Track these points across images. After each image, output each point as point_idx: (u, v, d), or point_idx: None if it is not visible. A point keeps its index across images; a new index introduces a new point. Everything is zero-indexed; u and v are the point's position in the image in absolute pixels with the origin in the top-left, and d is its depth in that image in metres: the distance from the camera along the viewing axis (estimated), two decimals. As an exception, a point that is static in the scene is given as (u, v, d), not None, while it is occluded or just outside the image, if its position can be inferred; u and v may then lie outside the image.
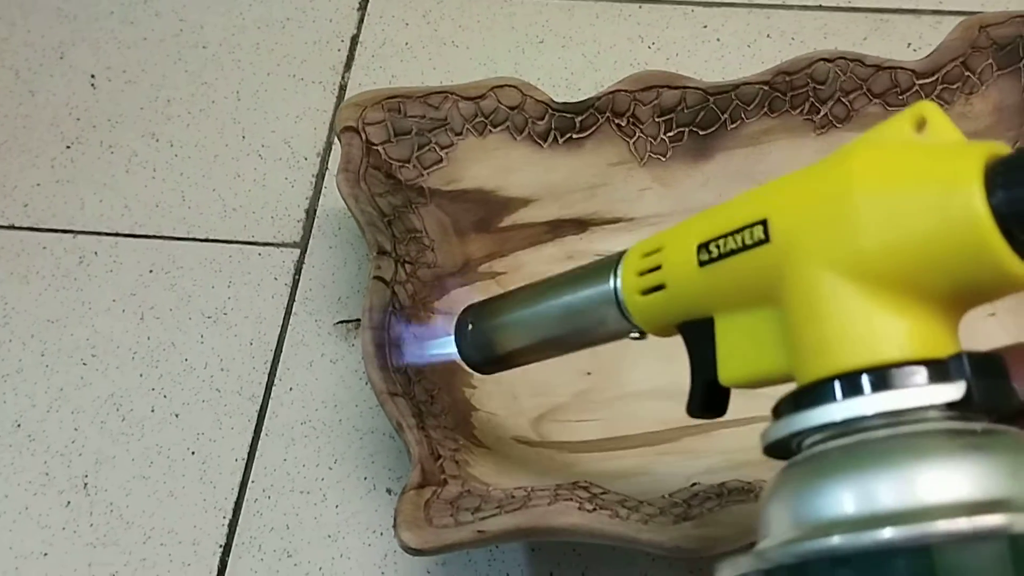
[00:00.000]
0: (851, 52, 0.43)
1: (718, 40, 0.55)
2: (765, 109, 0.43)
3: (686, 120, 0.43)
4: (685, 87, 0.43)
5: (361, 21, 0.57)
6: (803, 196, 0.21)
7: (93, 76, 0.55)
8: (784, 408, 0.21)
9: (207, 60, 0.55)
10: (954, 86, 0.42)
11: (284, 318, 0.46)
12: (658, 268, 0.26)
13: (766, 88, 0.43)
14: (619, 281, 0.27)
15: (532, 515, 0.32)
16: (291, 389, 0.45)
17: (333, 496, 0.42)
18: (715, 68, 0.53)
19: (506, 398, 0.41)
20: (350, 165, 0.40)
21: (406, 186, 0.42)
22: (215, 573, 0.40)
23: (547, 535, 0.33)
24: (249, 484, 0.42)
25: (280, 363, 0.45)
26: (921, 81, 0.42)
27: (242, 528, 0.41)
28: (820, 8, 0.55)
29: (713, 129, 0.43)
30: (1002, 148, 0.19)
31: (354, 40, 0.56)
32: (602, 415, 0.40)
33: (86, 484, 0.42)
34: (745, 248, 0.22)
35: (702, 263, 0.24)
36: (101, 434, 0.44)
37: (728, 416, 0.39)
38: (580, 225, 0.44)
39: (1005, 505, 0.17)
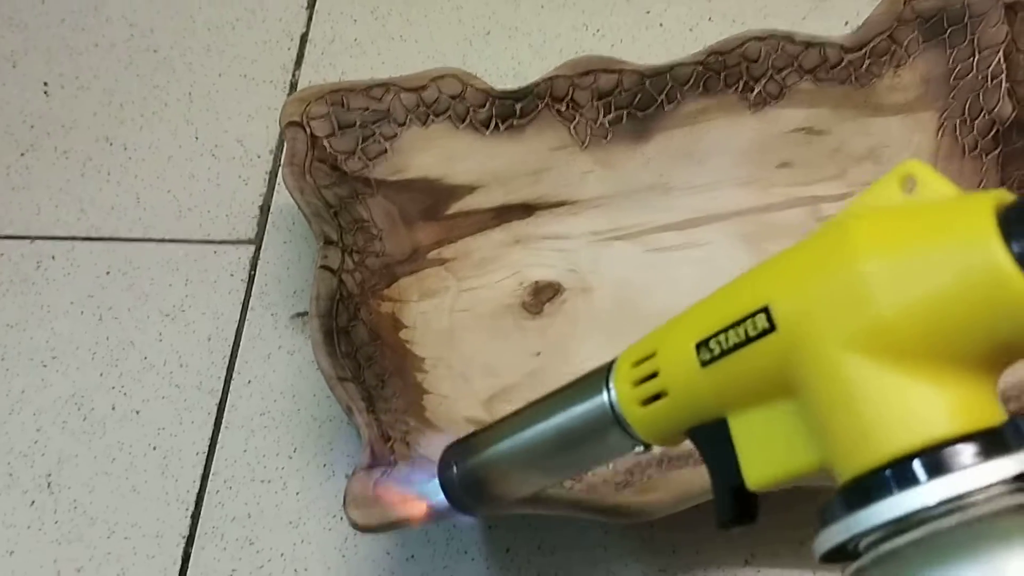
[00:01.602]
0: (781, 30, 0.44)
1: (661, 25, 0.56)
2: (700, 89, 0.44)
3: (624, 102, 0.44)
4: (621, 70, 0.44)
5: (310, 19, 0.57)
6: (804, 275, 0.20)
7: (46, 83, 0.55)
8: (835, 510, 0.19)
9: (158, 63, 0.56)
10: (882, 59, 0.44)
11: (241, 313, 0.47)
12: (655, 375, 0.24)
13: (700, 68, 0.44)
14: (613, 394, 0.25)
15: (478, 489, 0.33)
16: (249, 382, 0.45)
17: (293, 484, 0.43)
18: (659, 53, 0.54)
19: (457, 380, 0.42)
20: (295, 159, 0.41)
21: (352, 177, 0.43)
22: (179, 564, 0.41)
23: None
24: (211, 476, 0.43)
25: (238, 357, 0.46)
26: (849, 56, 0.43)
27: (204, 519, 0.42)
28: (760, -10, 0.56)
29: (651, 110, 0.44)
30: (1006, 195, 0.18)
31: (303, 38, 0.57)
32: (551, 393, 0.41)
33: (50, 483, 0.43)
34: (749, 340, 0.20)
35: (704, 363, 0.22)
36: (63, 434, 0.44)
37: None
38: (526, 210, 0.45)
39: None
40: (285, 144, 0.42)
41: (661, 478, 0.34)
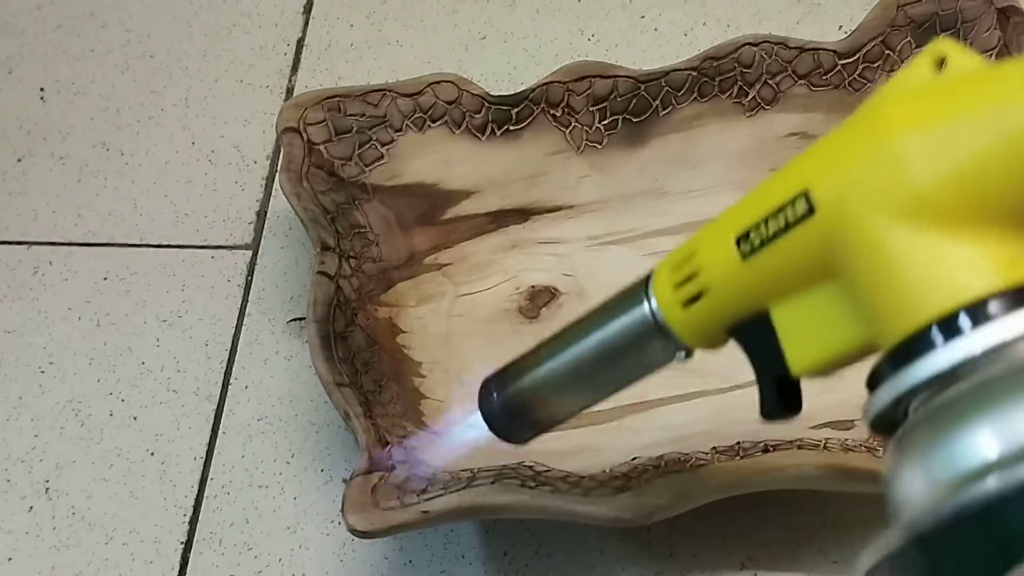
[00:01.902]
0: (775, 35, 0.44)
1: (656, 30, 0.56)
2: (695, 94, 0.44)
3: (619, 108, 0.44)
4: (616, 76, 0.44)
5: (306, 24, 0.58)
6: (841, 156, 0.21)
7: (42, 89, 0.56)
8: (883, 373, 0.19)
9: (155, 69, 0.56)
10: (875, 64, 0.44)
11: (238, 318, 0.47)
12: (695, 276, 0.24)
13: (695, 74, 0.44)
14: (654, 302, 0.25)
15: (475, 494, 0.33)
16: (247, 387, 0.45)
17: (291, 489, 0.43)
18: (653, 58, 0.55)
19: (454, 385, 0.42)
20: (292, 164, 0.41)
21: (349, 183, 0.43)
22: (177, 569, 0.41)
23: (490, 512, 0.34)
24: (208, 481, 0.43)
25: (235, 362, 0.46)
26: (843, 61, 0.44)
27: (202, 524, 0.42)
28: (754, -6, 0.57)
29: (646, 116, 0.45)
30: None
31: (300, 43, 0.57)
32: (548, 397, 0.41)
33: (47, 489, 0.43)
34: (789, 227, 0.21)
35: (744, 256, 0.22)
36: (61, 439, 0.44)
37: (668, 393, 0.41)
38: (522, 214, 0.46)
39: None
40: (282, 150, 0.42)
41: (658, 480, 0.34)
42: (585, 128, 0.45)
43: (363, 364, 0.39)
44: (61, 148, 0.53)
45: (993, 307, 0.18)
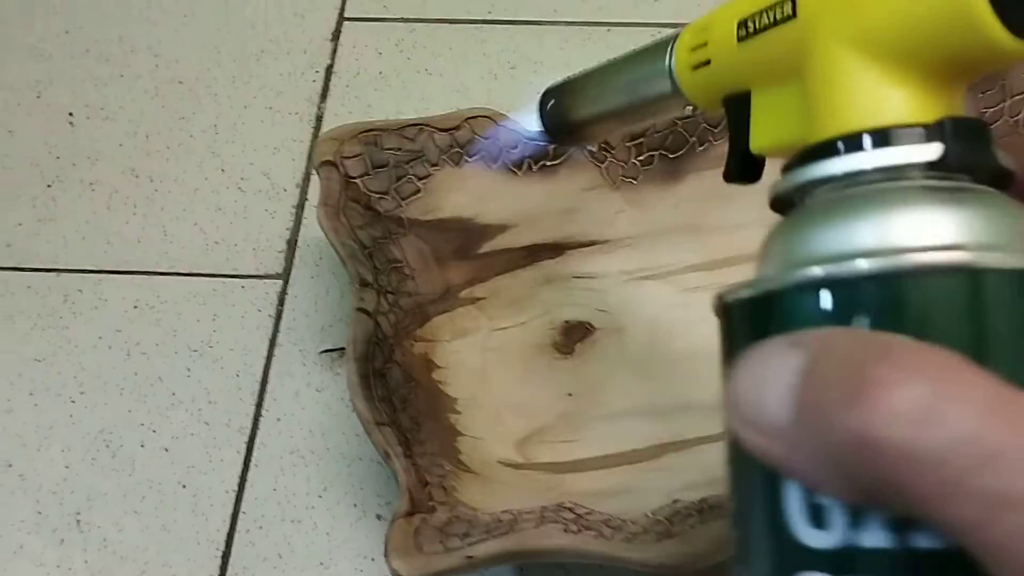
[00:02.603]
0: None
1: (685, 61, 0.56)
2: (732, 131, 0.44)
3: (655, 144, 0.44)
4: (654, 112, 0.44)
5: (335, 52, 0.58)
6: None
7: (71, 114, 0.56)
8: (791, 164, 0.23)
9: (184, 95, 0.56)
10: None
11: (269, 349, 0.47)
12: (705, 45, 0.27)
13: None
14: (674, 58, 0.29)
15: (519, 539, 0.33)
16: (279, 419, 0.45)
17: (323, 524, 0.42)
18: (683, 88, 0.55)
19: (490, 421, 0.42)
20: (329, 199, 0.41)
21: (385, 217, 0.43)
22: (210, 604, 0.41)
23: (534, 557, 0.34)
24: (240, 515, 0.43)
25: (267, 394, 0.46)
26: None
27: (235, 559, 0.42)
28: (783, 27, 0.57)
29: (682, 152, 0.45)
30: None
31: (328, 70, 0.57)
32: (585, 435, 0.41)
33: (79, 521, 0.43)
34: (775, 23, 0.24)
35: (740, 38, 0.25)
36: (92, 470, 0.44)
37: (706, 432, 0.41)
38: (556, 249, 0.45)
39: (968, 247, 0.19)
40: (320, 184, 0.42)
41: (703, 527, 0.34)
42: (621, 164, 0.45)
43: (401, 401, 0.39)
44: (90, 174, 0.53)
45: (887, 136, 0.21)
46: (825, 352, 0.18)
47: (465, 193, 0.44)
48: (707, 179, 0.45)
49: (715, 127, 0.44)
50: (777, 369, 0.18)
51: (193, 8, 0.60)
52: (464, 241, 0.44)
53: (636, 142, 0.44)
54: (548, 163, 0.44)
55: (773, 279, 0.20)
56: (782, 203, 0.23)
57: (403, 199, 0.44)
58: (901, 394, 0.16)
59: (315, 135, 0.54)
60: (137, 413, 0.46)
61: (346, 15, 0.59)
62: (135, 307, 0.49)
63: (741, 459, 0.20)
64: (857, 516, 0.18)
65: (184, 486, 0.44)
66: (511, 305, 0.44)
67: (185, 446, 0.45)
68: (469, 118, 0.44)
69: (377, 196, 0.43)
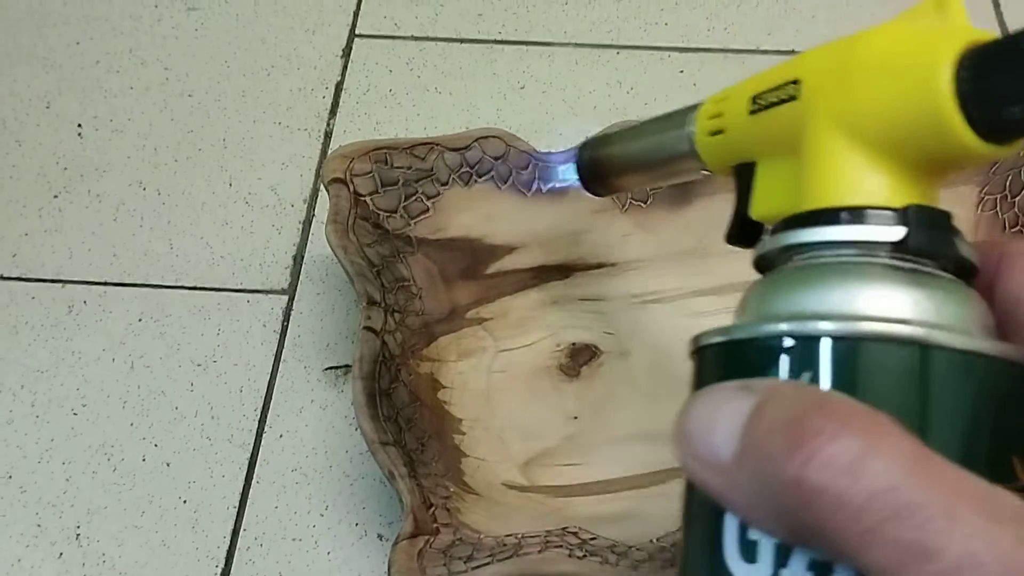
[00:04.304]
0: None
1: (695, 85, 0.56)
2: (742, 157, 0.44)
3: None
4: (664, 136, 0.44)
5: (345, 68, 0.58)
6: (828, 62, 0.25)
7: (80, 125, 0.56)
8: (776, 229, 0.25)
9: (193, 108, 0.56)
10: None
11: (273, 365, 0.47)
12: (721, 115, 0.29)
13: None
14: (694, 124, 0.31)
15: (523, 563, 0.33)
16: (281, 436, 0.45)
17: (325, 543, 0.42)
18: (692, 112, 0.55)
19: (495, 443, 0.41)
20: (338, 216, 0.41)
21: (393, 236, 0.43)
22: (208, 622, 0.41)
23: (539, 582, 0.33)
24: (241, 532, 0.43)
25: (270, 410, 0.46)
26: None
27: (235, 576, 0.42)
28: (793, 53, 0.57)
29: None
30: (985, 36, 0.22)
31: (338, 87, 0.57)
32: (590, 459, 0.41)
33: (78, 535, 0.43)
34: (781, 102, 0.25)
35: (751, 112, 0.27)
36: (93, 484, 0.44)
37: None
38: (564, 271, 0.45)
39: (917, 323, 0.20)
40: (329, 201, 0.42)
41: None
42: (631, 187, 0.45)
43: (406, 421, 0.39)
44: (97, 186, 0.53)
45: (857, 216, 0.22)
46: (772, 399, 0.19)
47: (474, 213, 0.44)
48: (715, 204, 0.45)
49: (725, 152, 0.44)
50: (727, 409, 0.20)
51: (204, 22, 0.60)
52: (472, 261, 0.44)
53: (646, 165, 0.44)
54: (557, 185, 0.44)
55: (741, 328, 0.22)
56: (763, 263, 0.25)
57: (412, 218, 0.43)
58: (834, 445, 0.17)
59: (323, 151, 0.54)
60: (139, 427, 0.45)
61: (357, 32, 0.59)
62: (139, 320, 0.48)
63: (690, 491, 0.22)
64: (783, 555, 0.19)
65: (185, 502, 0.43)
66: (517, 326, 0.44)
67: (187, 461, 0.44)
68: (480, 138, 0.44)
69: (386, 214, 0.43)
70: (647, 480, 0.40)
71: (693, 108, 0.32)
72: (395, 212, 0.43)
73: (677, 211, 0.45)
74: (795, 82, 0.25)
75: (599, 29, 0.59)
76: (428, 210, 0.44)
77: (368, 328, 0.39)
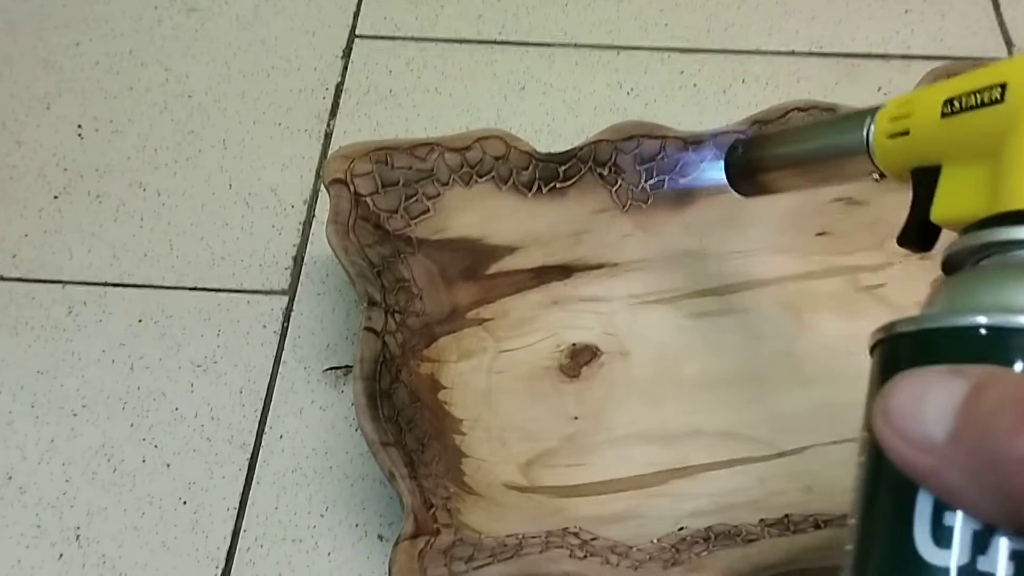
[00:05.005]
0: (823, 101, 0.44)
1: (695, 85, 0.56)
2: (743, 157, 0.44)
3: (667, 168, 0.44)
4: (664, 136, 0.44)
5: (345, 69, 0.58)
6: None
7: (80, 126, 0.55)
8: (973, 228, 0.25)
9: (193, 109, 0.56)
10: (924, 133, 0.44)
11: (274, 366, 0.47)
12: (907, 116, 0.29)
13: (743, 136, 0.44)
14: (873, 126, 0.31)
15: (524, 563, 0.33)
16: (281, 437, 0.45)
17: (325, 544, 0.42)
18: (692, 113, 0.55)
19: (495, 444, 0.41)
20: (339, 217, 0.41)
21: (394, 236, 0.43)
22: (209, 623, 0.40)
23: (540, 582, 0.33)
24: (241, 533, 0.43)
25: (270, 411, 0.46)
26: (892, 129, 0.44)
27: (235, 577, 0.41)
28: (793, 54, 0.57)
29: (693, 176, 0.45)
30: None
31: (339, 88, 0.57)
32: (590, 459, 0.41)
33: (78, 536, 0.43)
34: (982, 105, 0.26)
35: (944, 115, 0.27)
36: (92, 485, 0.44)
37: (712, 459, 0.41)
38: (565, 271, 0.45)
39: None
40: (330, 202, 0.42)
41: (709, 556, 0.34)
42: (631, 187, 0.45)
43: (407, 422, 0.39)
44: (98, 187, 0.53)
45: None
46: (993, 381, 0.19)
47: (474, 213, 0.44)
48: (717, 204, 0.45)
49: (726, 152, 0.44)
50: (938, 390, 0.20)
51: (204, 23, 0.60)
52: (472, 262, 0.44)
53: (647, 166, 0.44)
54: (558, 185, 0.44)
55: (942, 318, 0.22)
56: (954, 262, 0.25)
57: (412, 218, 0.43)
58: None
59: (324, 152, 0.54)
60: (139, 428, 0.45)
61: (357, 33, 0.59)
62: (139, 321, 0.48)
63: (879, 471, 0.21)
64: (982, 541, 0.19)
65: (185, 502, 0.43)
66: (518, 327, 0.44)
67: (187, 462, 0.44)
68: (480, 138, 0.44)
69: (387, 215, 0.43)
70: (648, 480, 0.40)
71: (871, 110, 0.32)
72: (396, 212, 0.43)
73: (678, 211, 0.45)
74: (1001, 86, 0.25)
75: (599, 30, 0.59)
76: (429, 210, 0.44)
77: (369, 329, 0.39)
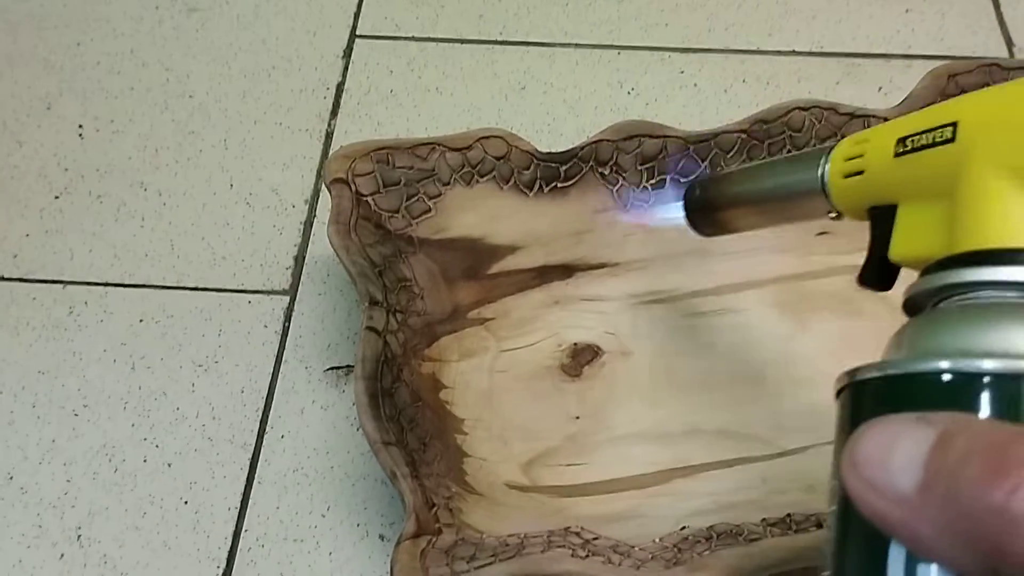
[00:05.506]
0: (825, 101, 0.44)
1: (695, 85, 0.56)
2: (744, 156, 0.44)
3: (668, 168, 0.44)
4: (666, 136, 0.44)
5: (346, 69, 0.58)
6: (991, 107, 0.25)
7: (81, 126, 0.55)
8: (932, 269, 0.25)
9: (194, 109, 0.56)
10: (925, 133, 0.44)
11: (275, 365, 0.47)
12: (861, 156, 0.29)
13: (744, 136, 0.44)
14: (828, 166, 0.31)
15: (526, 563, 0.33)
16: (283, 437, 0.45)
17: (326, 544, 0.42)
18: (693, 113, 0.55)
19: (496, 443, 0.41)
20: (340, 217, 0.41)
21: (395, 236, 0.43)
22: (210, 623, 0.40)
23: (541, 582, 0.33)
24: (243, 533, 0.43)
25: (271, 411, 0.46)
26: (893, 128, 0.44)
27: (236, 577, 0.41)
28: (794, 53, 0.57)
29: (694, 176, 0.45)
30: None
31: (339, 88, 0.57)
32: (592, 459, 0.41)
33: (79, 536, 0.43)
34: (934, 144, 0.25)
35: (897, 154, 0.27)
36: (94, 485, 0.44)
37: (713, 458, 0.41)
38: (566, 271, 0.45)
39: None
40: (331, 201, 0.42)
41: (711, 556, 0.34)
42: (633, 186, 0.45)
43: (408, 421, 0.39)
44: (99, 187, 0.53)
45: (1015, 257, 0.23)
46: (960, 429, 0.19)
47: (475, 213, 0.44)
48: (718, 204, 0.45)
49: (728, 152, 0.44)
50: (905, 439, 0.19)
51: (205, 23, 0.60)
52: (473, 261, 0.44)
53: (648, 166, 0.44)
54: (559, 184, 0.44)
55: (905, 364, 0.22)
56: (917, 302, 0.25)
57: (414, 218, 0.43)
58: None
59: (325, 152, 0.54)
60: (140, 428, 0.45)
61: (358, 33, 0.59)
62: (140, 321, 0.48)
63: (849, 521, 0.21)
64: None
65: (186, 502, 0.43)
66: (519, 326, 0.44)
67: (188, 462, 0.44)
68: (482, 138, 0.44)
69: (388, 214, 0.43)
70: (649, 480, 0.40)
71: (825, 150, 0.32)
72: (397, 212, 0.43)
73: (679, 211, 0.45)
74: (952, 125, 0.25)
75: (599, 30, 0.59)
76: (430, 210, 0.44)
77: (370, 328, 0.39)
